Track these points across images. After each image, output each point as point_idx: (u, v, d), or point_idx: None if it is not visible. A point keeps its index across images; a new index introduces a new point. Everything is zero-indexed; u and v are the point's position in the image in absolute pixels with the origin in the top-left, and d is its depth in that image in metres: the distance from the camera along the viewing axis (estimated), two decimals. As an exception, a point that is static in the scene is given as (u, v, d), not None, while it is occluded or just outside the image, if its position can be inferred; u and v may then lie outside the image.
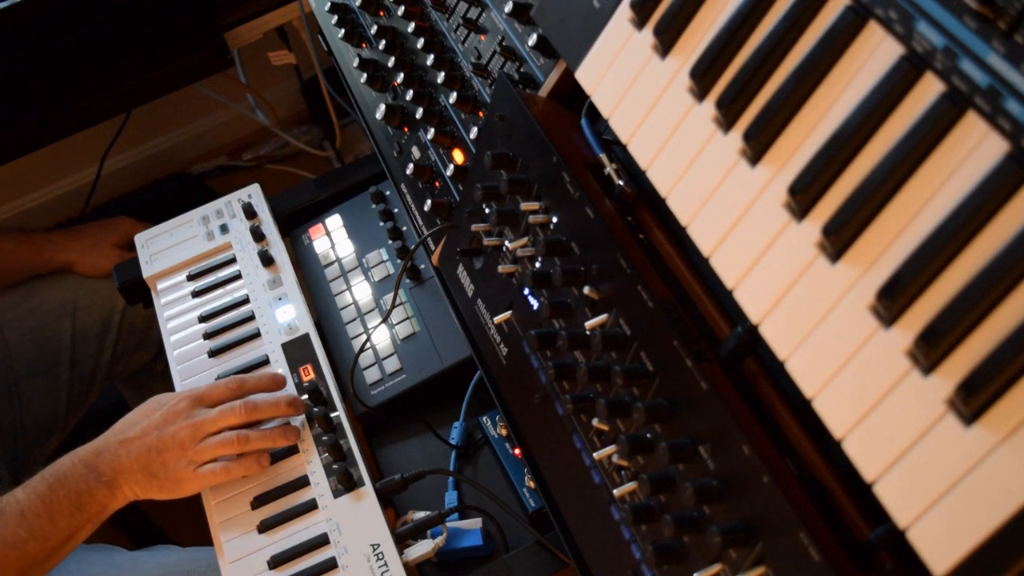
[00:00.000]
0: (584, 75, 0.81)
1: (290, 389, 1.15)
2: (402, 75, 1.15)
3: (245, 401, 1.09)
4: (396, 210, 1.38)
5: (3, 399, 1.57)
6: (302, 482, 1.08)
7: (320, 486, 1.07)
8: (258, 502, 1.08)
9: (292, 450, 1.11)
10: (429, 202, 1.06)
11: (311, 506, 1.06)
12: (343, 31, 1.27)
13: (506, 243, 0.88)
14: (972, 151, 0.54)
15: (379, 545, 1.01)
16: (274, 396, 1.11)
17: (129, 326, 1.70)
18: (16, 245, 1.70)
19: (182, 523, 1.71)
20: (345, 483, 1.06)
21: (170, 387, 1.23)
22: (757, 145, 0.65)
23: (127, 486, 1.06)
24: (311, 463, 1.09)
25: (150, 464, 1.06)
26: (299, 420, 1.13)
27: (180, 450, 1.05)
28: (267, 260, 1.32)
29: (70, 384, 1.66)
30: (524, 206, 0.84)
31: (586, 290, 0.77)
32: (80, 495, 1.05)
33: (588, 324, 0.76)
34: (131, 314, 1.68)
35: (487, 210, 0.88)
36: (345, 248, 1.40)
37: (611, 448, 0.73)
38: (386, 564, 0.99)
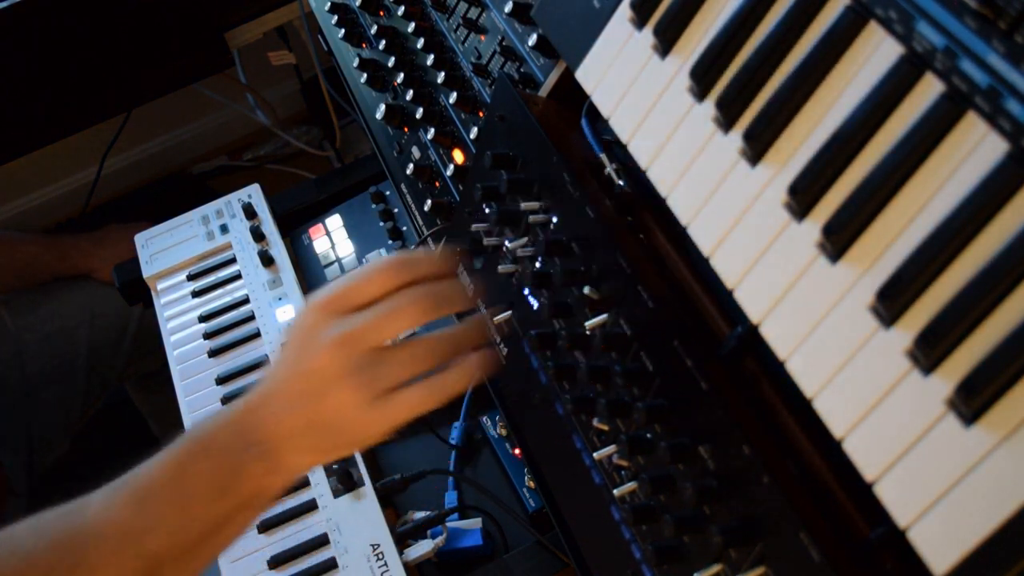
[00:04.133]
0: (584, 75, 0.81)
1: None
2: (402, 75, 1.15)
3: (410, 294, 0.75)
4: (396, 210, 1.38)
5: (19, 408, 1.57)
6: (302, 482, 1.08)
7: (320, 486, 1.07)
8: (258, 502, 1.08)
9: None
10: (429, 202, 1.06)
11: (311, 506, 1.06)
12: (343, 31, 1.26)
13: (506, 243, 0.88)
14: (972, 151, 0.54)
15: (379, 545, 1.01)
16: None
17: (143, 332, 1.70)
18: (42, 250, 1.70)
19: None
20: (345, 483, 1.06)
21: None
22: (757, 145, 0.65)
23: (290, 455, 0.76)
24: (311, 463, 1.10)
25: (314, 417, 0.74)
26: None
27: (347, 387, 0.73)
28: (267, 260, 1.32)
29: (85, 392, 1.66)
30: (524, 206, 0.83)
31: (586, 290, 0.77)
32: (224, 474, 0.74)
33: (588, 324, 0.76)
34: (146, 320, 1.67)
35: (487, 210, 0.88)
36: (345, 248, 1.40)
37: (611, 448, 0.73)
38: (386, 564, 0.99)
